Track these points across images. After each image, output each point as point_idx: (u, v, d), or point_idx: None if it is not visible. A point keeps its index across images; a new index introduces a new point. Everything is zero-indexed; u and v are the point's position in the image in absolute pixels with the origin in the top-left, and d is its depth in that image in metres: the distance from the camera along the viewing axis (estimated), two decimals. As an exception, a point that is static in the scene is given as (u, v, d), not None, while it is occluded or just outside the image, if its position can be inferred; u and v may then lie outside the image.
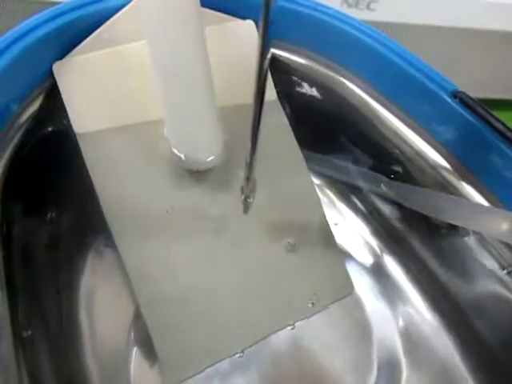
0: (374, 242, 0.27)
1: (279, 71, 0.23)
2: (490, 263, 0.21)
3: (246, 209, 0.20)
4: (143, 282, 0.21)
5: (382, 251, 0.27)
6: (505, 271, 0.20)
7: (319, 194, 0.26)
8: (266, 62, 0.13)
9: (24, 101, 0.19)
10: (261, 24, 0.12)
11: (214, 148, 0.21)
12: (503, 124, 0.18)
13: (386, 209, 0.26)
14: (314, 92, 0.24)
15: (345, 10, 0.36)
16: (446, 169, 0.21)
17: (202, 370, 0.21)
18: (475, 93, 0.46)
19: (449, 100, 0.20)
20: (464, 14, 0.37)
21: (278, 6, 0.22)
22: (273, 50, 0.23)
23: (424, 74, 0.20)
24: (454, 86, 0.20)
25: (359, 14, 0.36)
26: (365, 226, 0.28)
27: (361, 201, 0.28)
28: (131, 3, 0.21)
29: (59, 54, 0.20)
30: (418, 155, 0.22)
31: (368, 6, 0.36)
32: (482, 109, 0.18)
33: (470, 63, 0.42)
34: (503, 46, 0.40)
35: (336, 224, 0.28)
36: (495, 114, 0.18)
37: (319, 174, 0.28)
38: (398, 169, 0.23)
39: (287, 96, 0.24)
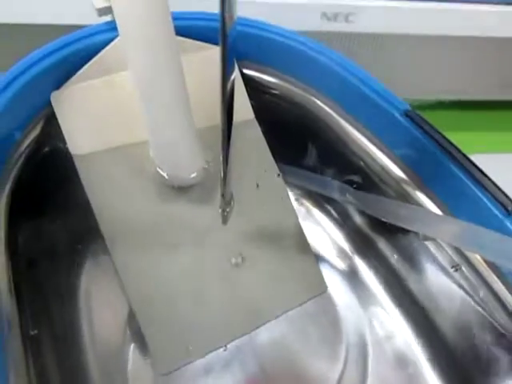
0: (347, 246, 0.30)
1: (253, 90, 0.26)
2: (444, 263, 0.23)
3: (225, 220, 0.23)
4: (135, 285, 0.23)
5: (353, 254, 0.30)
6: (453, 269, 0.23)
7: (296, 204, 0.28)
8: (230, 84, 0.15)
9: (26, 128, 0.22)
10: (220, 49, 0.14)
11: (195, 166, 0.23)
12: (447, 140, 0.20)
13: (357, 216, 0.29)
14: (286, 109, 0.27)
15: (325, 23, 0.37)
16: (403, 180, 0.23)
17: (190, 363, 0.24)
18: (455, 96, 0.47)
19: (401, 118, 0.22)
20: (442, 22, 0.39)
21: (243, 32, 0.24)
22: (245, 71, 0.26)
23: (378, 94, 0.23)
24: (405, 106, 0.22)
25: (338, 27, 0.38)
26: (338, 232, 0.30)
27: (334, 209, 0.31)
28: (119, 37, 0.23)
29: (56, 85, 0.22)
30: (379, 168, 0.24)
31: (346, 19, 0.38)
32: (428, 126, 0.20)
33: (449, 69, 0.43)
34: (482, 51, 0.42)
35: (313, 231, 0.30)
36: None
37: (296, 186, 0.30)
38: (362, 180, 0.26)
39: (262, 114, 0.26)
